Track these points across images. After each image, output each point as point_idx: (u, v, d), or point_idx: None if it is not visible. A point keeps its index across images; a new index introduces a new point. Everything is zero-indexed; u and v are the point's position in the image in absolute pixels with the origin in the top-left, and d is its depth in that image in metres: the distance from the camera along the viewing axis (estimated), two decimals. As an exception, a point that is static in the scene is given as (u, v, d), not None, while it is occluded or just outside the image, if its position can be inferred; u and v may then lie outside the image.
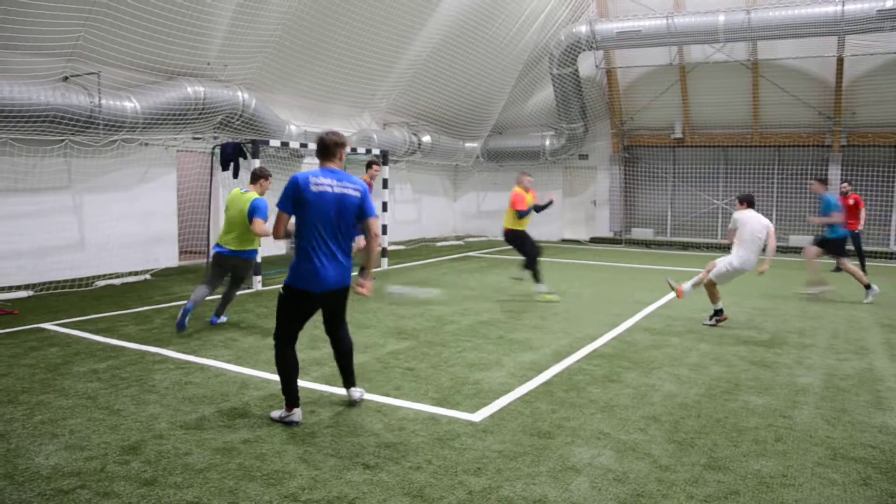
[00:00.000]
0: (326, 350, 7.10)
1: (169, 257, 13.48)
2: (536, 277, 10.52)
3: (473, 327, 8.50)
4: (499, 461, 4.37)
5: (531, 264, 10.56)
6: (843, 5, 15.23)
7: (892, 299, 11.01)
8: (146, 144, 12.67)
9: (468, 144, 20.90)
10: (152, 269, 12.70)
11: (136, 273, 12.26)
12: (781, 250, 18.51)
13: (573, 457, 4.47)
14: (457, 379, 6.22)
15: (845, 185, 14.17)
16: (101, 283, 11.41)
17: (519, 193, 10.57)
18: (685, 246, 19.58)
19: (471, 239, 21.82)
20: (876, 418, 5.31)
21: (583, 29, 17.82)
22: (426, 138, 18.75)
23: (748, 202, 8.90)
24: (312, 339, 7.66)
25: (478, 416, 5.20)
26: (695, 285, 9.01)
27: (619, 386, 6.03)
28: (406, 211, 20.51)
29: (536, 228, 20.38)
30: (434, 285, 11.89)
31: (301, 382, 5.99)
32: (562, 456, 4.48)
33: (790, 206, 19.09)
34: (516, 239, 10.67)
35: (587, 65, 19.39)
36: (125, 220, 12.41)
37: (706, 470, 4.30)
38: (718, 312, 8.75)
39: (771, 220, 18.94)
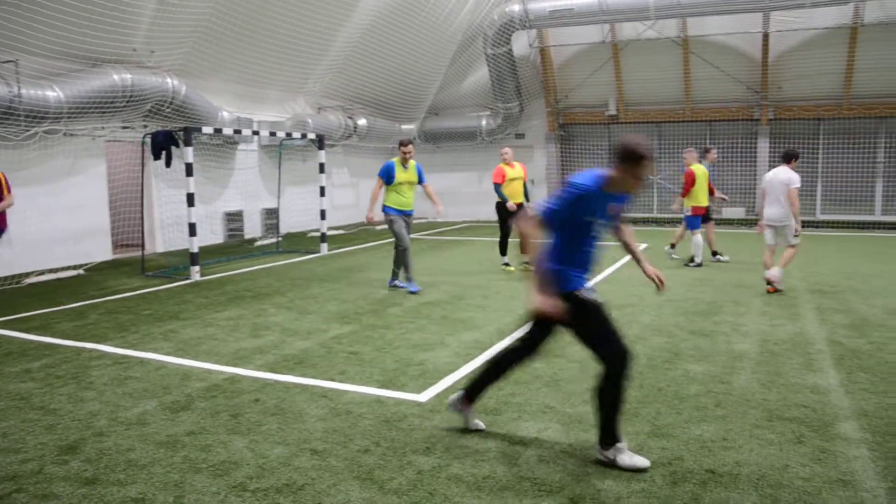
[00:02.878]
0: (270, 338, 7.05)
1: (102, 251, 13.09)
2: (501, 250, 11.67)
3: (416, 308, 8.50)
4: (447, 440, 4.39)
5: (501, 238, 11.60)
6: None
7: (823, 268, 11.43)
8: (72, 135, 12.23)
9: (404, 126, 20.79)
10: (85, 264, 12.32)
11: (68, 268, 11.87)
12: (715, 222, 19.04)
13: (520, 431, 4.52)
14: (401, 360, 6.22)
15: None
16: (31, 280, 11.01)
17: (498, 168, 11.26)
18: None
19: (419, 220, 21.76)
20: (808, 379, 5.51)
21: (516, 8, 17.84)
22: (361, 121, 18.58)
23: (783, 158, 9.55)
24: (255, 328, 7.56)
25: (424, 397, 5.21)
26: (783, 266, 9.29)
27: (562, 361, 6.11)
28: (344, 195, 20.33)
29: (479, 207, 20.64)
30: (375, 269, 11.84)
31: (244, 371, 5.93)
32: (509, 432, 4.53)
33: (723, 179, 19.58)
34: (498, 212, 11.48)
35: (521, 44, 19.45)
36: (53, 214, 11.98)
37: (650, 437, 4.40)
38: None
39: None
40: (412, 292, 9.44)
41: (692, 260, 11.61)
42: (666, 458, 4.08)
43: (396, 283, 9.96)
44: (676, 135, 19.98)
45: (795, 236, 9.23)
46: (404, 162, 9.56)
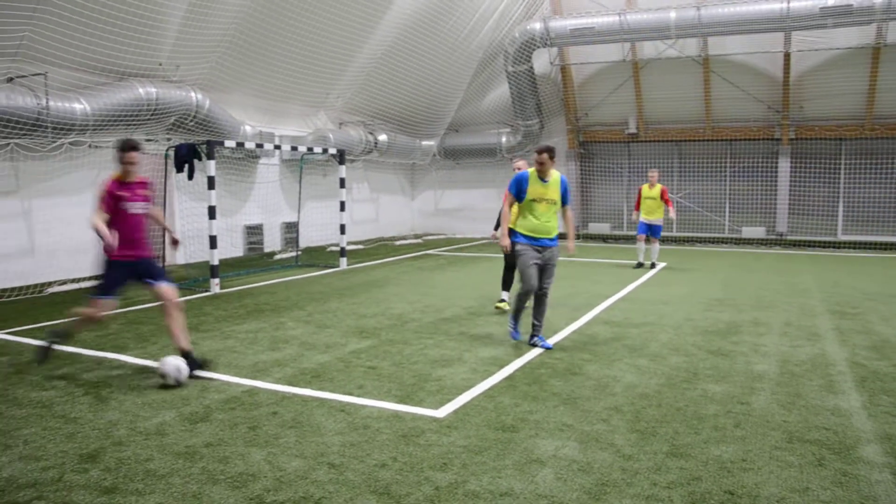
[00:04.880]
0: (288, 351, 7.09)
1: (123, 262, 13.21)
2: (504, 285, 9.61)
3: (435, 324, 8.51)
4: (464, 456, 4.38)
5: (505, 271, 9.57)
6: (789, 2, 15.58)
7: (844, 289, 11.32)
8: (97, 147, 12.40)
9: (425, 143, 20.90)
10: (106, 275, 12.43)
11: (91, 279, 11.98)
12: (735, 242, 18.93)
13: (537, 449, 4.50)
14: (419, 376, 6.22)
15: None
16: (53, 289, 11.14)
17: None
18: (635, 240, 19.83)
19: (429, 237, 21.83)
20: (829, 401, 5.45)
21: (537, 26, 17.93)
22: (382, 137, 18.70)
23: None
24: (273, 341, 7.60)
25: (442, 412, 5.21)
26: None
27: (580, 378, 6.09)
28: (364, 210, 20.44)
29: (486, 225, 20.63)
30: (394, 284, 11.87)
31: (263, 384, 5.96)
32: (526, 449, 4.51)
33: (742, 199, 19.49)
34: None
35: (542, 62, 19.53)
36: (76, 224, 12.10)
37: (668, 457, 4.37)
38: None
39: (723, 212, 19.52)
40: (544, 346, 7.26)
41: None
42: (685, 479, 4.05)
43: (514, 331, 7.55)
44: (696, 153, 19.92)
45: None
46: (543, 174, 7.19)
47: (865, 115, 17.58)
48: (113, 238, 5.97)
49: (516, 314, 7.52)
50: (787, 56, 17.35)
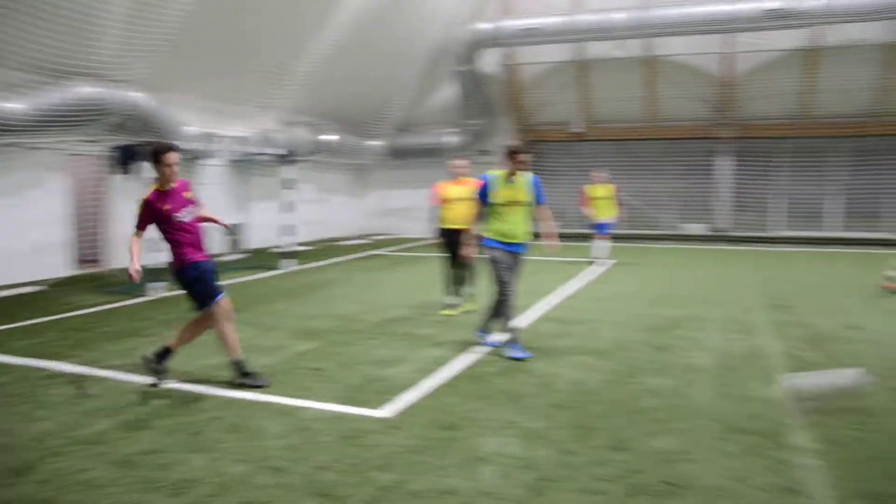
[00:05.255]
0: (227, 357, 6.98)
1: (63, 267, 12.86)
2: (451, 287, 9.27)
3: (380, 325, 8.50)
4: (408, 456, 4.39)
5: (450, 271, 9.25)
6: (733, 4, 15.99)
7: (781, 283, 11.66)
8: (35, 149, 12.04)
9: (372, 143, 20.82)
10: (46, 280, 12.10)
11: (28, 284, 11.65)
12: (678, 239, 19.33)
13: (481, 447, 4.53)
14: (365, 377, 6.20)
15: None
16: (-13, 296, 10.79)
17: (440, 185, 9.40)
18: (588, 237, 20.11)
19: (377, 237, 21.77)
20: (763, 392, 5.62)
21: (485, 26, 18.05)
22: (329, 137, 18.58)
23: None
24: (217, 344, 7.48)
25: (386, 413, 5.21)
26: None
27: (524, 376, 6.15)
28: (311, 211, 20.22)
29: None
30: (341, 285, 11.81)
31: (206, 389, 5.87)
32: (470, 447, 4.54)
33: (685, 197, 19.91)
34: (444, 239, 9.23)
35: (489, 61, 19.64)
36: (13, 228, 11.75)
37: (610, 451, 4.45)
38: None
39: (667, 210, 19.91)
40: (513, 357, 6.76)
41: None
42: (626, 471, 4.12)
43: (484, 336, 7.33)
44: (642, 152, 20.27)
45: None
46: (511, 174, 6.85)
47: (805, 114, 18.14)
48: (136, 268, 5.69)
49: (488, 321, 7.24)
50: (730, 57, 17.78)
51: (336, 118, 19.02)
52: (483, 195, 6.90)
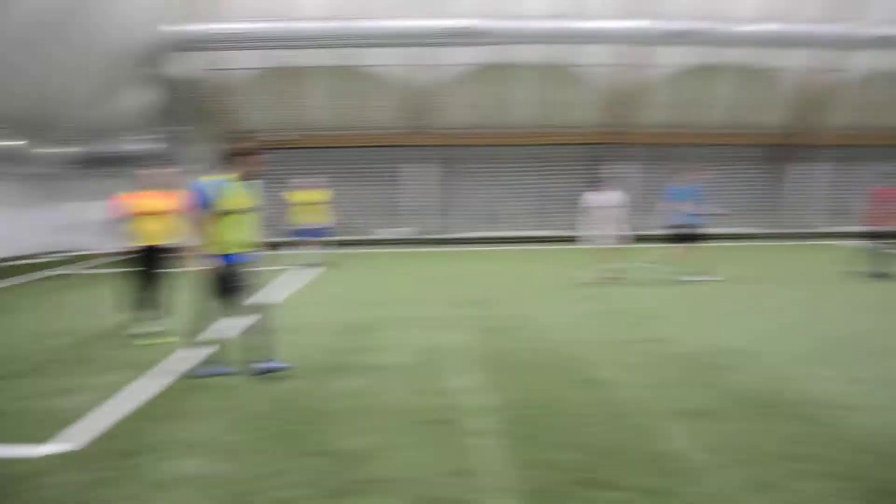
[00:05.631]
0: None
1: None
2: (137, 310, 8.29)
3: (62, 349, 7.66)
4: (85, 491, 4.01)
5: (137, 292, 8.34)
6: (427, 21, 17.01)
7: (481, 279, 12.54)
8: None
9: (57, 150, 18.82)
10: None
11: None
12: (387, 243, 20.06)
13: (169, 470, 4.29)
14: (38, 411, 5.54)
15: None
16: None
17: (123, 198, 8.46)
18: (298, 244, 20.22)
19: (64, 254, 19.72)
20: (453, 383, 6.00)
21: (184, 29, 17.17)
22: (2, 143, 16.44)
23: None
24: None
25: (59, 447, 4.70)
26: None
27: (219, 391, 5.92)
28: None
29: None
30: (19, 310, 10.47)
31: None
32: (153, 471, 4.27)
33: (394, 202, 20.91)
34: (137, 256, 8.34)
35: (189, 67, 18.74)
36: None
37: (305, 457, 4.45)
38: None
39: (377, 216, 20.61)
40: (211, 375, 6.45)
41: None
42: (319, 476, 4.17)
43: (265, 364, 6.47)
44: (353, 159, 20.86)
45: None
46: (244, 178, 6.21)
47: (501, 124, 20.00)
48: None
49: (194, 337, 6.62)
50: (415, 69, 18.91)
51: (9, 122, 16.87)
52: (203, 204, 6.10)
